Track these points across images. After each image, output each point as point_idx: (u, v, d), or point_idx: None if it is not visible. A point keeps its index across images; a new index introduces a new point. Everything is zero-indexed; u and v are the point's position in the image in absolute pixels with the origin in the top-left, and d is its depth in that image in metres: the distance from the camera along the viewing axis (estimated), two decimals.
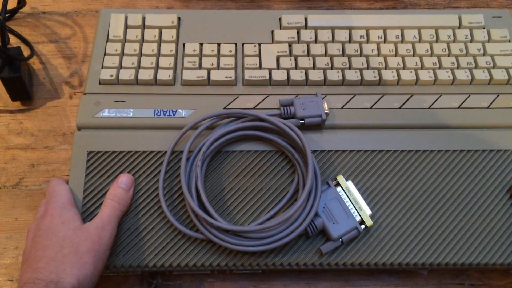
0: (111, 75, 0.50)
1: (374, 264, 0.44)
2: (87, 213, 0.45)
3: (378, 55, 0.53)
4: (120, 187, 0.45)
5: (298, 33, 0.54)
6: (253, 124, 0.47)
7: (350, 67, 0.52)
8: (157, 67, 0.51)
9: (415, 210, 0.46)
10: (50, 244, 0.40)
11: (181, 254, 0.44)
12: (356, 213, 0.44)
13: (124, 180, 0.45)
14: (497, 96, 0.51)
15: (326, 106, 0.48)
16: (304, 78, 0.51)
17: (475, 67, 0.52)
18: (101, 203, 0.44)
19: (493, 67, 0.52)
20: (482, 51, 0.53)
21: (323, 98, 0.50)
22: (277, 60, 0.52)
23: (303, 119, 0.47)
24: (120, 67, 0.51)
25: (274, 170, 0.47)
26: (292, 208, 0.42)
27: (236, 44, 0.53)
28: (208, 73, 0.51)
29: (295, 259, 0.44)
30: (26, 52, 0.55)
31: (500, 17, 0.56)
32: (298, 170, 0.46)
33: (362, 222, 0.44)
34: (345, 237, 0.43)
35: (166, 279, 0.47)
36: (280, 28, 0.55)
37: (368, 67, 0.52)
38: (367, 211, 0.44)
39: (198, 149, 0.46)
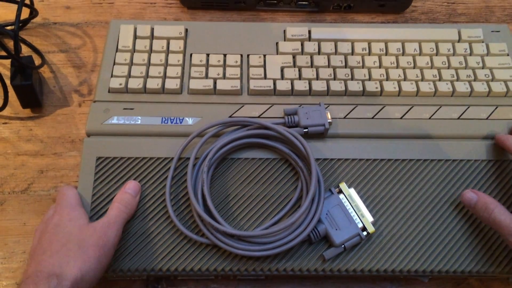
0: (120, 84, 0.51)
1: (376, 270, 0.45)
2: (95, 218, 0.46)
3: (380, 67, 0.54)
4: (127, 193, 0.46)
5: (302, 45, 0.55)
6: (258, 132, 0.48)
7: (352, 78, 0.53)
8: (164, 76, 0.53)
9: (416, 217, 0.46)
10: (56, 239, 0.41)
11: (186, 259, 0.45)
12: (358, 219, 0.45)
13: (131, 186, 0.46)
14: (496, 108, 0.52)
15: (329, 116, 0.49)
16: (307, 88, 0.52)
17: (474, 80, 0.54)
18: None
19: (492, 80, 0.54)
20: (481, 64, 0.55)
21: (326, 108, 0.51)
22: (282, 70, 0.54)
23: (306, 128, 0.48)
24: (129, 76, 0.53)
25: (278, 177, 0.48)
26: (296, 214, 0.43)
27: (241, 55, 0.55)
28: (214, 83, 0.53)
29: (298, 265, 0.44)
30: (37, 61, 0.57)
31: (499, 31, 0.58)
32: (301, 177, 0.47)
33: (364, 228, 0.45)
34: (348, 243, 0.44)
35: (171, 284, 0.48)
36: (285, 40, 0.56)
37: (370, 79, 0.53)
38: (369, 218, 0.45)
39: (205, 156, 0.47)
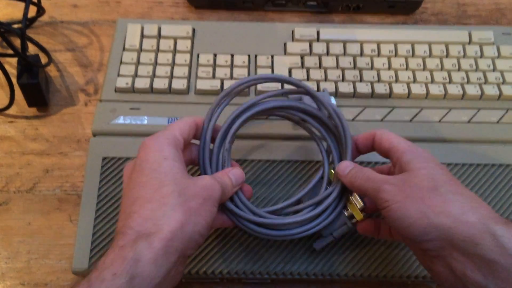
0: (127, 83, 0.51)
1: (383, 276, 0.44)
2: (101, 218, 0.45)
3: (389, 68, 0.54)
4: (228, 177, 0.38)
5: (310, 46, 0.55)
6: (289, 104, 0.44)
7: (361, 80, 0.53)
8: (171, 76, 0.52)
9: None
10: (147, 180, 0.33)
11: (192, 262, 0.44)
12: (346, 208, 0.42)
13: (236, 173, 0.39)
14: (506, 112, 0.52)
15: (333, 101, 0.48)
16: (316, 89, 0.52)
17: (485, 83, 0.53)
18: (114, 209, 0.45)
19: (503, 83, 0.53)
20: (491, 67, 0.54)
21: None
22: (290, 71, 0.53)
23: None
24: (136, 75, 0.52)
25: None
26: (325, 202, 0.41)
27: (249, 56, 0.54)
28: (222, 83, 0.52)
29: (304, 269, 0.44)
30: (43, 59, 0.56)
31: (510, 34, 0.57)
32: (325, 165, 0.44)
33: (351, 216, 0.41)
34: (336, 232, 0.42)
35: (176, 287, 0.47)
36: (293, 41, 0.56)
37: (379, 80, 0.53)
38: (357, 204, 0.41)
39: (225, 130, 0.42)
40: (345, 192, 0.42)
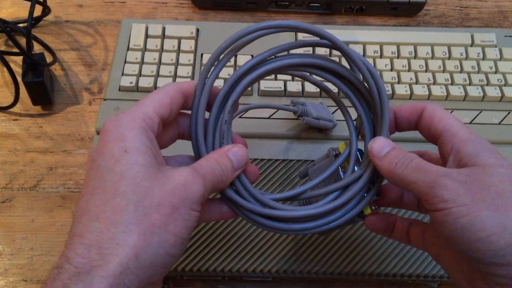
0: (131, 82, 0.52)
1: (384, 275, 0.44)
2: None
3: (392, 70, 0.54)
4: (229, 158, 0.31)
5: (313, 47, 0.55)
6: (311, 61, 0.34)
7: None
8: (175, 76, 0.53)
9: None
10: (98, 186, 0.26)
11: (194, 259, 0.44)
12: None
13: (236, 152, 0.31)
14: (509, 113, 0.52)
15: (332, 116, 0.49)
16: (318, 90, 0.52)
17: (487, 84, 0.53)
18: None
19: (505, 85, 0.53)
20: (494, 69, 0.54)
21: (336, 110, 0.51)
22: None
23: (319, 119, 0.48)
24: (140, 74, 0.53)
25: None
26: (356, 185, 0.32)
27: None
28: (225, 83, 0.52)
29: (305, 267, 0.44)
30: (48, 58, 0.57)
31: None
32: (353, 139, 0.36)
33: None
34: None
35: (177, 284, 0.47)
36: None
37: None
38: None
39: (223, 96, 0.33)
40: (377, 178, 0.33)
